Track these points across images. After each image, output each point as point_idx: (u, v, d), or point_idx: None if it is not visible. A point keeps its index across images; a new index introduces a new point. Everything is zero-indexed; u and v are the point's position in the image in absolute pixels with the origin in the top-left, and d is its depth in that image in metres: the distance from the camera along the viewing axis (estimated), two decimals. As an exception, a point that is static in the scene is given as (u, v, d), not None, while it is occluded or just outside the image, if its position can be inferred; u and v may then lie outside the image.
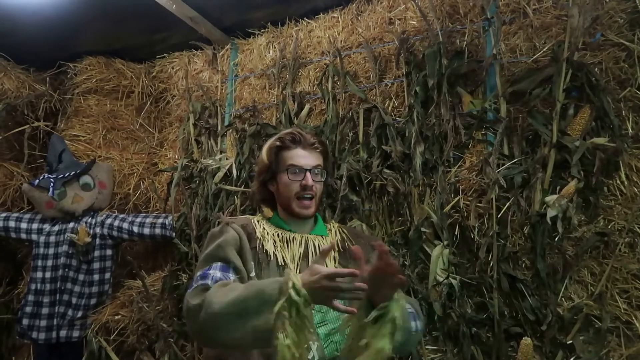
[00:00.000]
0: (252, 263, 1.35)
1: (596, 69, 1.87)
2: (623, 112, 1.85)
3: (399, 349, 1.32)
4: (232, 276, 1.30)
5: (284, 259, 1.39)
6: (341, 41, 2.53)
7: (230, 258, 1.33)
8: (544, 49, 1.97)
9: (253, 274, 1.33)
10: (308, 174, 1.47)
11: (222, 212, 2.50)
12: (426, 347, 1.95)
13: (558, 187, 1.85)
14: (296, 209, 1.47)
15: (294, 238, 1.46)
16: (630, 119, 1.84)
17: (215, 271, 1.29)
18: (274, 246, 1.41)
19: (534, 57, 1.99)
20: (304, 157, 1.49)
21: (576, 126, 1.85)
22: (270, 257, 1.38)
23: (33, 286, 2.71)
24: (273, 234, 1.45)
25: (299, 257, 1.42)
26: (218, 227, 1.45)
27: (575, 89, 1.90)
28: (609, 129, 1.82)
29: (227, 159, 2.67)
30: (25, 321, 2.66)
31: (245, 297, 1.14)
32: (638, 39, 1.86)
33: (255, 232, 1.44)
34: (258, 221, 1.50)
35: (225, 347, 1.29)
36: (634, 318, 1.70)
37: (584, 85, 1.86)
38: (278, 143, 1.51)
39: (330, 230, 1.57)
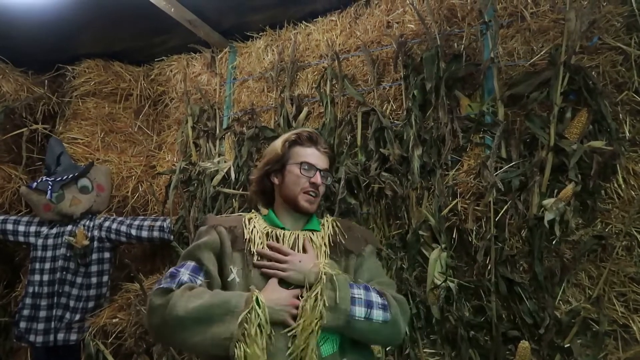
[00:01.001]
0: (231, 267, 1.37)
1: (593, 73, 1.88)
2: (620, 115, 1.86)
3: (357, 335, 1.34)
4: (200, 279, 1.33)
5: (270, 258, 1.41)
6: (339, 44, 2.54)
7: (204, 261, 1.36)
8: (542, 53, 1.98)
9: (231, 277, 1.36)
10: (318, 173, 1.52)
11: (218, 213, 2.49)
12: (424, 350, 1.95)
13: (555, 191, 1.85)
14: (302, 202, 1.51)
15: (283, 235, 1.48)
16: (628, 123, 1.84)
17: (186, 271, 1.33)
18: (262, 246, 1.43)
19: (532, 60, 2.00)
20: (317, 158, 1.55)
21: (574, 129, 1.86)
22: (258, 258, 1.40)
23: (31, 289, 2.70)
24: (262, 233, 1.47)
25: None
26: (205, 227, 1.47)
27: (572, 92, 1.91)
28: (606, 133, 1.83)
29: (225, 161, 2.67)
30: (22, 324, 2.65)
31: (211, 305, 1.22)
32: (635, 42, 1.87)
33: (244, 234, 1.45)
34: (250, 219, 1.51)
35: (181, 348, 1.38)
36: (631, 321, 1.70)
37: (581, 89, 1.86)
38: (295, 137, 1.56)
39: (324, 225, 1.57)
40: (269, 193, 1.61)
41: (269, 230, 1.48)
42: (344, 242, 1.50)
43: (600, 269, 1.79)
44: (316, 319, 1.26)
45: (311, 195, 1.51)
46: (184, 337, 1.21)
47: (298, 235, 1.49)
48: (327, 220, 1.59)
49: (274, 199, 1.60)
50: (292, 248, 1.44)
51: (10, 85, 3.10)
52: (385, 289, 1.40)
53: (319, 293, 1.29)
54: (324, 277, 1.31)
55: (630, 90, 1.85)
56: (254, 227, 1.48)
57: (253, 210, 1.62)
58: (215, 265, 1.37)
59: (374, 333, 1.35)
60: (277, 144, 1.58)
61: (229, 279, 1.36)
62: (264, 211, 1.62)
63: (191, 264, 1.36)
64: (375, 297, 1.35)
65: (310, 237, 1.49)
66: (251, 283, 1.34)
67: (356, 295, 1.32)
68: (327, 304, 1.28)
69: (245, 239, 1.44)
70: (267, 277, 1.37)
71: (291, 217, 1.54)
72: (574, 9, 1.88)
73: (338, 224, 1.57)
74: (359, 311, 1.31)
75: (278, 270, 1.36)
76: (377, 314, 1.33)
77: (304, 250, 1.44)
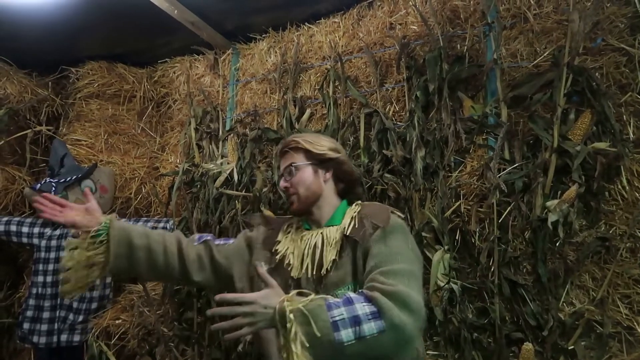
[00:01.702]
0: (262, 262, 1.41)
1: (597, 74, 1.87)
2: (624, 116, 1.85)
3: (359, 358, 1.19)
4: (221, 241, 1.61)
5: (289, 261, 1.48)
6: (342, 46, 2.54)
7: (234, 241, 1.62)
8: (545, 54, 1.98)
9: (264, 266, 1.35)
10: (281, 179, 1.57)
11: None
12: (427, 352, 1.94)
13: (559, 192, 1.84)
14: (290, 208, 1.57)
15: (303, 236, 1.51)
16: (632, 124, 1.84)
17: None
18: (286, 249, 1.51)
19: (535, 62, 1.99)
20: (281, 164, 1.59)
21: (577, 131, 1.86)
22: (279, 259, 1.49)
23: (34, 290, 2.71)
24: (291, 234, 1.56)
25: (299, 256, 1.47)
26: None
27: (576, 93, 1.90)
28: (610, 134, 1.82)
29: (228, 163, 2.67)
30: (26, 325, 2.65)
31: None
32: (639, 43, 1.86)
33: (278, 237, 1.56)
34: (290, 224, 1.61)
35: None
36: (635, 323, 1.69)
37: (584, 90, 1.86)
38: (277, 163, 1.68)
39: (345, 216, 1.50)
40: None
41: (299, 232, 1.55)
42: (352, 232, 1.41)
43: (604, 270, 1.78)
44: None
45: (290, 198, 1.54)
46: None
47: (312, 235, 1.49)
48: (351, 209, 1.51)
49: None
50: (306, 251, 1.46)
51: (14, 87, 3.11)
52: (385, 282, 1.21)
53: (294, 334, 1.11)
54: (290, 315, 1.12)
55: (634, 91, 1.84)
56: (289, 232, 1.57)
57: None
58: (240, 246, 1.60)
59: (378, 349, 1.16)
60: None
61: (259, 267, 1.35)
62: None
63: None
64: (361, 308, 1.16)
65: (324, 235, 1.46)
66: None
67: (337, 318, 1.14)
68: (307, 344, 1.10)
69: (276, 241, 1.55)
70: (284, 278, 1.42)
71: (307, 219, 1.57)
72: (577, 10, 1.88)
73: (357, 212, 1.47)
74: (346, 335, 1.13)
75: (243, 325, 1.16)
76: (369, 328, 1.14)
77: (320, 256, 1.42)
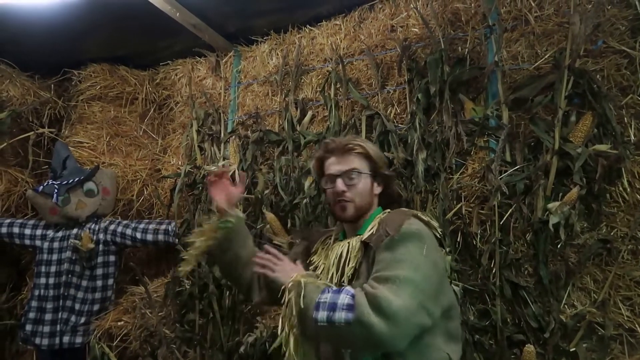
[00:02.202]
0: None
1: (598, 76, 1.88)
2: (625, 119, 1.86)
3: (335, 342, 1.35)
4: None
5: (322, 268, 1.53)
6: (343, 48, 2.54)
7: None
8: (546, 56, 1.98)
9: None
10: (339, 180, 1.51)
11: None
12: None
13: (560, 194, 1.85)
14: (337, 212, 1.54)
15: (334, 247, 1.56)
16: (633, 126, 1.84)
17: None
18: (320, 258, 1.57)
19: (536, 64, 2.00)
20: (336, 165, 1.55)
21: (578, 133, 1.86)
22: (312, 268, 1.55)
23: (36, 292, 2.71)
24: (328, 246, 1.60)
25: (330, 264, 1.51)
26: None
27: (577, 96, 1.90)
28: (611, 136, 1.82)
29: (230, 165, 2.67)
30: (28, 327, 2.66)
31: None
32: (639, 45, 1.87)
33: (315, 246, 1.63)
34: (329, 236, 1.65)
35: None
36: (637, 325, 1.69)
37: (585, 92, 1.86)
38: (319, 154, 1.62)
39: (370, 225, 1.51)
40: None
41: (334, 243, 1.59)
42: (369, 238, 1.43)
43: (605, 272, 1.79)
44: (293, 326, 1.32)
45: (343, 202, 1.51)
46: None
47: (340, 245, 1.53)
48: (378, 217, 1.53)
49: None
50: (332, 259, 1.51)
51: (17, 90, 3.12)
52: (373, 285, 1.27)
53: (289, 300, 1.32)
54: (292, 283, 1.34)
55: (635, 93, 1.85)
56: (327, 244, 1.61)
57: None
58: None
59: (346, 339, 1.27)
60: (313, 165, 1.69)
61: None
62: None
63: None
64: (342, 299, 1.25)
65: (349, 244, 1.49)
66: None
67: (322, 300, 1.27)
68: (294, 312, 1.30)
69: (313, 251, 1.62)
70: None
71: (346, 227, 1.59)
72: (578, 12, 1.88)
73: (380, 220, 1.49)
74: (321, 315, 1.25)
75: (269, 269, 1.43)
76: (339, 316, 1.23)
77: (343, 265, 1.48)
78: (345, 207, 1.50)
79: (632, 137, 1.83)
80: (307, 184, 2.34)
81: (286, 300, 1.33)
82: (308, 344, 1.37)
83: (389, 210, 1.56)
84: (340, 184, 1.50)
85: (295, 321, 1.30)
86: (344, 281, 1.43)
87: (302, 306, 1.28)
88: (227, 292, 2.49)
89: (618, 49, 1.89)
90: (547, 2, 2.04)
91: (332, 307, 1.24)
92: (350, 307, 1.23)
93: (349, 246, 1.48)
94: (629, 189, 1.80)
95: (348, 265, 1.44)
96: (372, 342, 1.22)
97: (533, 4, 2.05)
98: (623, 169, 1.80)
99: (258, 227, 2.42)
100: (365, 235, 1.45)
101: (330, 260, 1.51)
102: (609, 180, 1.82)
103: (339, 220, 1.59)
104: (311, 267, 1.55)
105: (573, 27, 1.88)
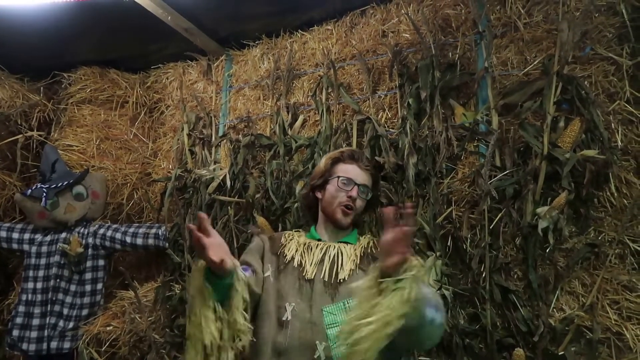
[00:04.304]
0: (269, 265, 1.55)
1: (586, 82, 1.90)
2: (612, 124, 1.88)
3: (413, 339, 1.24)
4: (247, 274, 1.41)
5: (300, 262, 1.54)
6: (335, 53, 2.55)
7: (250, 262, 1.53)
8: (535, 62, 2.01)
9: (267, 274, 1.53)
10: (356, 187, 1.63)
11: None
12: (419, 358, 1.95)
13: (549, 199, 1.86)
14: (338, 214, 1.62)
15: (317, 245, 1.61)
16: (620, 132, 1.87)
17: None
18: (295, 251, 1.58)
19: (525, 70, 2.02)
20: (356, 173, 1.66)
21: (567, 138, 1.88)
22: (288, 260, 1.55)
23: (24, 297, 2.68)
24: (298, 242, 1.62)
25: (316, 261, 1.55)
26: (254, 238, 1.70)
27: (565, 101, 1.93)
28: (598, 142, 1.84)
29: (221, 169, 2.67)
30: (15, 332, 2.63)
31: None
32: (627, 53, 1.90)
33: (281, 240, 1.64)
34: (290, 235, 1.68)
35: None
36: (624, 329, 1.71)
37: (574, 98, 1.89)
38: (338, 155, 1.70)
39: (360, 240, 1.67)
40: (314, 208, 1.75)
41: (307, 242, 1.62)
42: (374, 252, 1.58)
43: (593, 276, 1.80)
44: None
45: (347, 208, 1.62)
46: None
47: (329, 246, 1.59)
48: (365, 237, 1.68)
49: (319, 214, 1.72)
50: (323, 257, 1.55)
51: (5, 92, 3.09)
52: None
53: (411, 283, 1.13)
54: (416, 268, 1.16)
55: (622, 100, 1.88)
56: (292, 238, 1.64)
57: (300, 229, 1.80)
58: (259, 263, 1.55)
59: (424, 334, 1.24)
60: (322, 161, 1.73)
61: (265, 275, 1.53)
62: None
63: (243, 266, 1.45)
64: (428, 294, 1.23)
65: (342, 248, 1.58)
66: (282, 283, 1.50)
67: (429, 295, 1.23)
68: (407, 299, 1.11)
69: (281, 244, 1.62)
70: (294, 277, 1.50)
71: (330, 230, 1.67)
72: (566, 19, 1.91)
73: (375, 242, 1.65)
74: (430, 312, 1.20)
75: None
76: (429, 313, 1.20)
77: (336, 260, 1.53)
78: (348, 213, 1.62)
79: (620, 143, 1.86)
80: (298, 188, 2.33)
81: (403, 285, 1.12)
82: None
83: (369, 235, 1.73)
84: (354, 192, 1.62)
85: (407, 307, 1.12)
86: (340, 280, 1.49)
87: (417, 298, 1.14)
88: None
89: (605, 56, 1.92)
90: (536, 9, 2.07)
91: (433, 305, 1.23)
92: (433, 306, 1.24)
93: (341, 249, 1.58)
94: (616, 194, 1.82)
95: (345, 267, 1.52)
96: (430, 343, 1.34)
97: (522, 11, 2.08)
98: (610, 174, 1.83)
99: (249, 231, 2.41)
100: (367, 247, 1.61)
101: (318, 257, 1.56)
102: (596, 185, 1.85)
103: (332, 220, 1.65)
104: (287, 258, 1.57)
105: (561, 34, 1.91)
